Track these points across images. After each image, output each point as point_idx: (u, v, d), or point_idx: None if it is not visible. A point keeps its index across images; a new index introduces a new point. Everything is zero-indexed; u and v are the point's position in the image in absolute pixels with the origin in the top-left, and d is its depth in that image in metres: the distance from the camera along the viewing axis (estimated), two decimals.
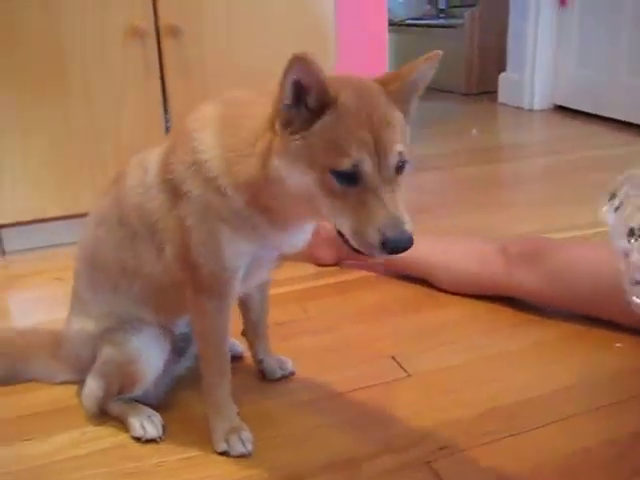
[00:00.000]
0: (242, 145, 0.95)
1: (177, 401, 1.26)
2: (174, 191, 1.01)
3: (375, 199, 0.85)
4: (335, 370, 1.35)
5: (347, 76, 0.93)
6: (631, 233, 1.11)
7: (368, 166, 0.85)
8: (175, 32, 1.99)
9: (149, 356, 1.17)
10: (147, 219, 1.07)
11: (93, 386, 1.19)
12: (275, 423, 1.20)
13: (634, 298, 1.14)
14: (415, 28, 5.18)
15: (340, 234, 0.90)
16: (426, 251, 1.66)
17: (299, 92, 0.86)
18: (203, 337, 1.13)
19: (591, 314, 1.47)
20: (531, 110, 3.98)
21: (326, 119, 0.86)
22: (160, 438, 1.16)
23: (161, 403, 1.24)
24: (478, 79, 4.58)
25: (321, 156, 0.86)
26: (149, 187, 1.06)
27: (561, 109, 3.90)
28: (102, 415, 1.21)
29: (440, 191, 2.61)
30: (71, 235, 1.38)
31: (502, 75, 4.23)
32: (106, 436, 1.18)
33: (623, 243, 1.15)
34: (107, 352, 1.17)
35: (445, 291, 1.65)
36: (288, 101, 0.87)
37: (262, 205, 0.96)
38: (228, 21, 2.08)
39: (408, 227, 0.84)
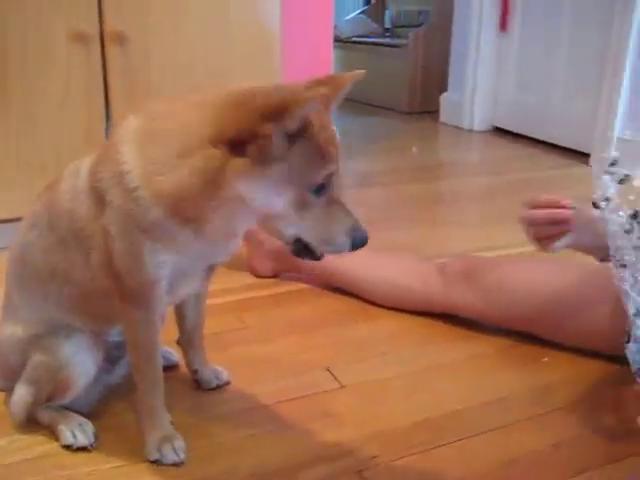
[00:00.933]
0: (166, 158, 0.93)
1: (110, 409, 1.25)
2: (99, 199, 1.00)
3: (340, 206, 0.93)
4: (270, 380, 1.36)
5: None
6: (634, 216, 1.10)
7: (336, 176, 0.90)
8: (120, 39, 1.97)
9: (80, 363, 1.15)
10: (75, 224, 1.05)
11: (22, 392, 1.17)
12: (208, 432, 1.20)
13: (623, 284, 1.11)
14: (361, 46, 5.26)
15: (292, 243, 0.95)
16: (366, 266, 1.68)
17: (282, 113, 0.84)
18: (134, 346, 1.12)
19: (525, 329, 1.51)
20: (471, 130, 4.08)
21: (303, 141, 0.87)
22: (91, 446, 1.14)
23: (93, 411, 1.22)
24: (421, 98, 4.67)
25: (299, 175, 0.88)
26: (79, 192, 1.04)
27: (500, 131, 4.01)
28: (31, 423, 1.18)
29: (382, 206, 2.64)
30: (4, 239, 1.35)
31: (443, 95, 4.33)
32: (35, 444, 1.16)
33: (620, 219, 1.12)
34: (37, 358, 1.14)
35: (381, 305, 1.68)
36: (279, 142, 0.86)
37: (189, 218, 0.95)
38: (175, 31, 2.07)
39: (364, 227, 0.94)
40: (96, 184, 1.00)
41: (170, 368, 1.33)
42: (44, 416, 1.18)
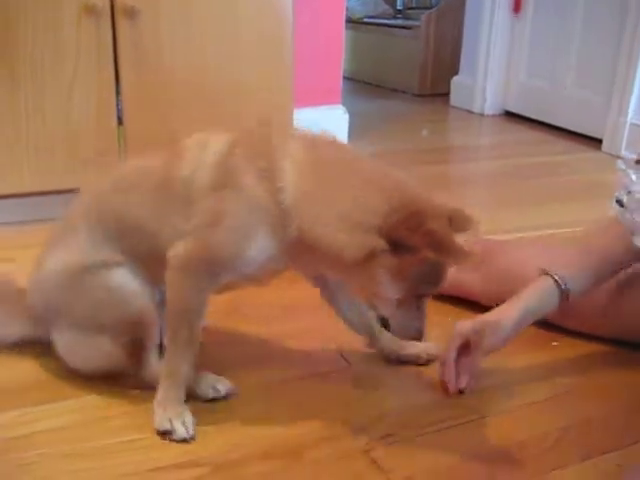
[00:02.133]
0: (329, 212, 1.03)
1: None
2: (226, 178, 1.07)
3: (421, 312, 1.11)
4: (277, 359, 1.36)
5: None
6: None
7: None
8: (131, 13, 1.95)
9: (139, 289, 1.17)
10: (189, 191, 1.10)
11: (93, 343, 1.18)
12: (214, 411, 1.20)
13: None
14: (372, 27, 5.22)
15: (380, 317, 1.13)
16: None
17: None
18: (180, 310, 1.12)
19: None
20: (482, 114, 4.05)
21: (437, 266, 1.04)
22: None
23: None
24: (432, 81, 4.63)
25: (418, 285, 1.05)
26: (203, 165, 1.09)
27: (511, 115, 3.98)
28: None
29: None
30: (15, 215, 1.35)
31: (455, 78, 4.29)
32: (43, 418, 1.16)
33: None
34: (96, 296, 1.16)
35: None
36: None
37: (310, 257, 1.08)
38: (186, 5, 2.05)
39: (424, 328, 1.13)
40: (231, 167, 1.07)
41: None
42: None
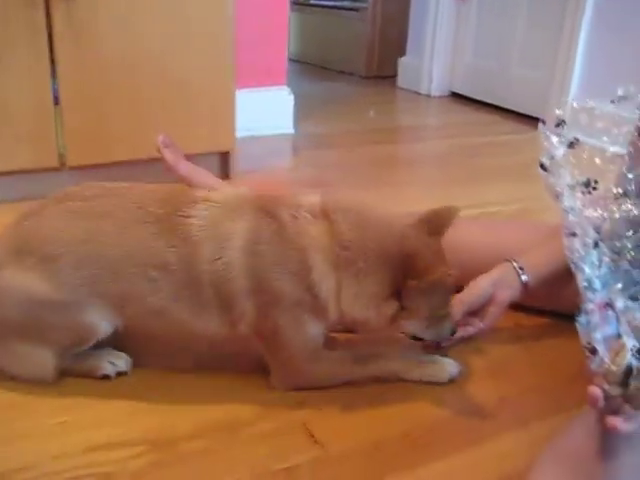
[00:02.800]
0: (365, 302, 1.12)
1: None
2: (261, 285, 1.10)
3: (448, 316, 1.20)
4: None
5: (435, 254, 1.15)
6: (587, 184, 1.08)
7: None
8: None
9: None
10: (223, 294, 1.11)
11: (40, 356, 1.15)
12: (151, 388, 1.18)
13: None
14: (318, 8, 5.19)
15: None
16: None
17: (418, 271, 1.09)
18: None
19: None
20: (428, 96, 4.06)
21: (437, 290, 1.13)
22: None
23: None
24: (379, 63, 4.63)
25: (432, 310, 1.15)
26: (229, 263, 1.09)
27: (457, 96, 4.00)
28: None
29: (339, 168, 2.62)
30: None
31: (402, 60, 4.30)
32: None
33: (566, 179, 1.10)
34: (53, 320, 1.12)
35: None
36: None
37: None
38: None
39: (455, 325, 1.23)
40: (258, 269, 1.10)
41: None
42: (68, 359, 1.18)
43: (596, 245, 0.92)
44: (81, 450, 1.03)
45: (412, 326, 1.17)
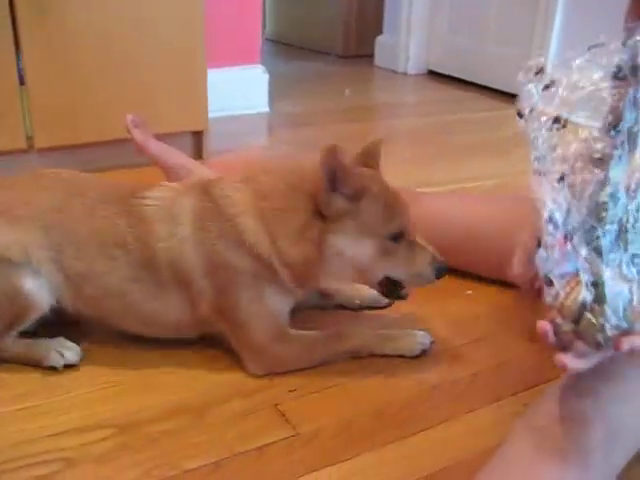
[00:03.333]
0: (293, 236, 1.11)
1: None
2: (211, 257, 1.12)
3: (418, 246, 1.14)
4: None
5: (366, 170, 1.16)
6: (557, 120, 1.06)
7: (409, 225, 1.12)
8: None
9: (40, 294, 1.14)
10: (181, 275, 1.13)
11: None
12: (121, 370, 1.16)
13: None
14: None
15: (385, 282, 1.15)
16: None
17: (335, 181, 1.07)
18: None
19: (448, 260, 1.50)
20: (405, 74, 4.02)
21: (368, 201, 1.10)
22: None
23: None
24: (356, 41, 4.57)
25: (377, 228, 1.10)
26: (181, 241, 1.13)
27: (434, 74, 3.97)
28: None
29: (314, 146, 2.58)
30: None
31: (379, 38, 4.26)
32: None
33: (542, 125, 1.09)
34: None
35: None
36: (329, 187, 1.07)
37: (306, 279, 1.15)
38: None
39: (441, 257, 1.14)
40: (208, 246, 1.12)
41: None
42: (15, 346, 1.16)
43: (561, 179, 0.91)
44: (42, 436, 1.01)
45: (357, 249, 1.11)
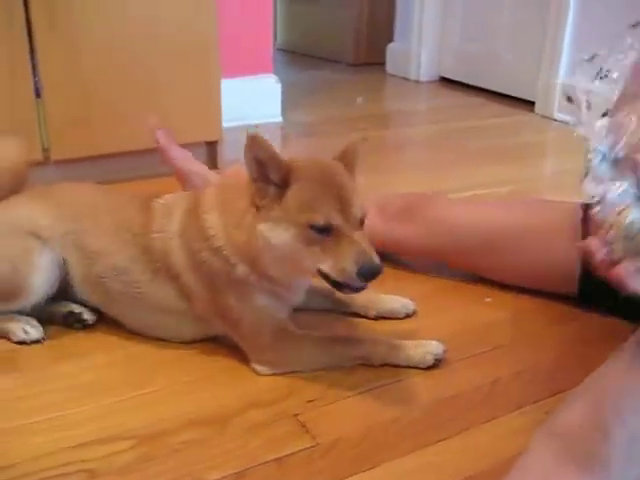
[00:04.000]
0: (236, 220, 1.14)
1: None
2: (192, 257, 1.19)
3: (347, 240, 1.05)
4: None
5: (311, 158, 1.17)
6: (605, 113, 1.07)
7: (337, 219, 1.06)
8: None
9: (43, 278, 1.26)
10: (170, 268, 1.21)
11: None
12: (140, 381, 1.16)
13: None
14: None
15: (323, 276, 1.09)
16: None
17: (260, 167, 1.08)
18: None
19: (469, 266, 1.51)
20: (417, 81, 4.03)
21: (294, 188, 1.08)
22: (43, 339, 1.27)
23: None
24: (367, 49, 4.58)
25: (298, 216, 1.06)
26: (170, 237, 1.22)
27: (446, 81, 3.98)
28: None
29: (327, 156, 2.59)
30: None
31: (390, 46, 4.27)
32: None
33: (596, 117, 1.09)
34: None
35: None
36: (254, 175, 1.09)
37: (256, 269, 1.15)
38: None
39: (376, 258, 1.05)
40: (190, 244, 1.19)
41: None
42: None
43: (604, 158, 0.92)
44: (63, 447, 1.01)
45: (279, 236, 1.08)
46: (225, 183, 1.27)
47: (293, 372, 1.19)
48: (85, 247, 1.27)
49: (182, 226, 1.21)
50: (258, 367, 1.19)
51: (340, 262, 1.05)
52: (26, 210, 1.31)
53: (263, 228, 1.10)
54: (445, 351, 1.21)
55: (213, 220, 1.17)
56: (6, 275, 1.25)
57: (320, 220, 1.05)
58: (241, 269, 1.15)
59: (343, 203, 1.07)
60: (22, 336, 1.26)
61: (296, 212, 1.07)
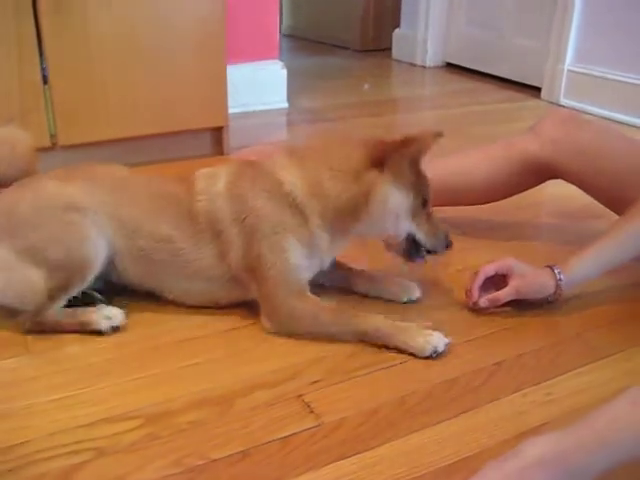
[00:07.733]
0: (345, 179, 1.24)
1: None
2: (240, 208, 1.25)
3: (434, 217, 1.33)
4: (208, 312, 1.34)
5: None
6: None
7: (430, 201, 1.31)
8: None
9: (99, 243, 1.26)
10: (214, 225, 1.27)
11: (32, 276, 1.22)
12: (146, 363, 1.19)
13: None
14: None
15: (408, 242, 1.31)
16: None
17: (412, 152, 1.25)
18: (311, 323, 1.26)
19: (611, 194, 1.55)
20: (423, 67, 4.03)
21: (418, 170, 1.27)
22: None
23: None
24: (373, 35, 4.58)
25: (416, 190, 1.27)
26: (216, 195, 1.28)
27: (452, 66, 3.97)
28: None
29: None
30: None
31: (396, 31, 4.26)
32: None
33: None
34: (56, 232, 1.23)
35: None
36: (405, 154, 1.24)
37: (338, 224, 1.27)
38: None
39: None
40: (239, 195, 1.26)
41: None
42: (57, 316, 1.25)
43: None
44: (75, 426, 1.03)
45: (399, 202, 1.25)
46: (295, 149, 1.33)
47: (297, 336, 1.24)
48: (122, 218, 1.28)
49: (230, 184, 1.28)
50: (267, 324, 1.26)
51: (433, 231, 1.31)
52: (53, 186, 1.28)
53: (386, 189, 1.23)
54: (447, 344, 1.22)
55: (289, 176, 1.26)
56: (60, 256, 1.22)
57: (427, 196, 1.29)
58: (315, 221, 1.25)
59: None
60: (106, 324, 1.25)
61: (416, 189, 1.26)
